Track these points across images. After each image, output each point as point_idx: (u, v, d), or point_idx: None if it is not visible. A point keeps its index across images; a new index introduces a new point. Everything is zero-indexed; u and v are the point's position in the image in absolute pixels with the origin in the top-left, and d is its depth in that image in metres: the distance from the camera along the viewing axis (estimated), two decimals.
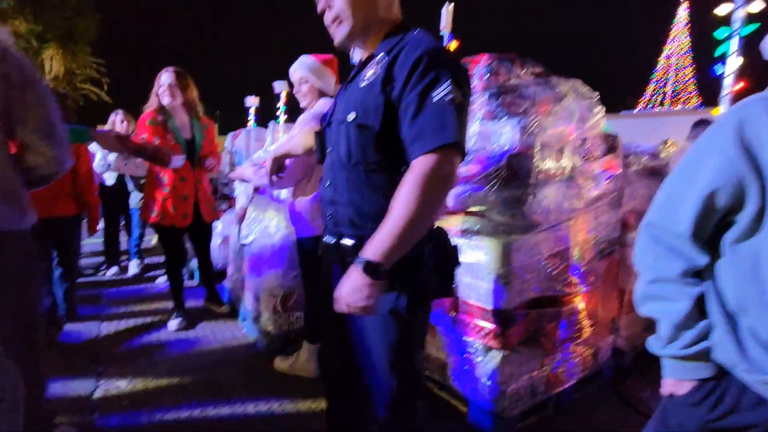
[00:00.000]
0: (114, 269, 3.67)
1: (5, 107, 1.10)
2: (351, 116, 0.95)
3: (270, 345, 2.26)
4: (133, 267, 3.73)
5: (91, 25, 11.96)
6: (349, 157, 0.97)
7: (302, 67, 1.87)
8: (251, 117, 7.74)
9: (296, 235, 1.93)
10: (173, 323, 2.57)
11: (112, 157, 3.31)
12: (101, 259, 3.88)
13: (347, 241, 0.99)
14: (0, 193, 1.11)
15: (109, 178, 3.52)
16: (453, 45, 3.80)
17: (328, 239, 1.04)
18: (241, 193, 3.04)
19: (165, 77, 2.41)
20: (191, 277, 3.53)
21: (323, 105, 1.87)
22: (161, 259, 3.95)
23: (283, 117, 7.14)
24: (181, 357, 2.24)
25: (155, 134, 2.34)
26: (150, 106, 2.41)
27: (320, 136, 1.11)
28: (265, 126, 6.50)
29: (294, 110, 7.43)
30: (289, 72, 1.93)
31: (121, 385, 1.94)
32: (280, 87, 6.88)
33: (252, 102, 7.78)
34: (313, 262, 1.92)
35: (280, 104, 7.24)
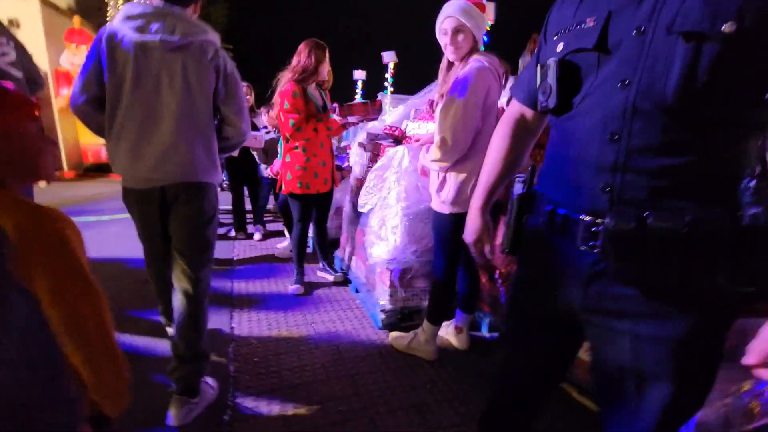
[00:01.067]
0: (240, 233, 4.01)
1: (215, 91, 1.46)
2: (727, 26, 0.56)
3: (385, 319, 2.19)
4: (258, 233, 4.03)
5: (221, 12, 13.26)
6: (687, 97, 0.59)
7: (460, 12, 1.62)
8: (359, 90, 7.83)
9: (445, 210, 1.75)
10: (293, 288, 2.67)
11: None
12: (228, 222, 4.30)
13: (664, 224, 0.61)
14: (209, 156, 1.46)
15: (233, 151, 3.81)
16: None
17: (614, 223, 0.65)
18: (356, 162, 3.00)
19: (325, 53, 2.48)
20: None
21: (482, 60, 1.63)
22: (279, 226, 4.22)
23: (390, 89, 7.07)
24: (302, 322, 2.30)
25: (299, 104, 2.39)
26: (292, 77, 2.41)
27: (565, 66, 0.73)
28: (371, 98, 6.47)
29: (402, 81, 7.29)
30: (438, 22, 1.69)
31: (252, 342, 2.06)
32: (388, 58, 6.77)
33: (359, 75, 7.84)
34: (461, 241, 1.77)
35: (388, 75, 7.15)
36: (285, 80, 2.43)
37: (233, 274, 3.01)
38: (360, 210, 2.37)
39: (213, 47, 1.42)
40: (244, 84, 3.81)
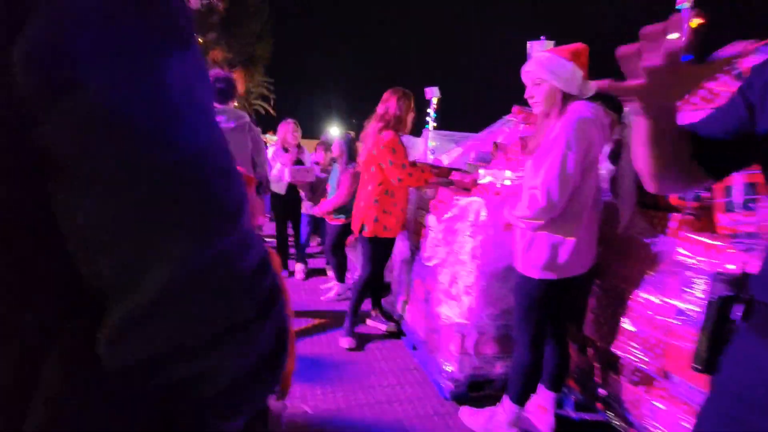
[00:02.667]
0: (283, 273, 3.90)
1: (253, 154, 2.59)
2: None
3: (454, 390, 1.94)
4: (300, 271, 3.90)
5: (267, 48, 13.99)
6: None
7: (538, 67, 1.50)
8: None
9: (535, 275, 1.55)
10: (345, 341, 2.47)
11: (285, 170, 3.52)
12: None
13: None
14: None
15: (281, 188, 3.75)
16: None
17: None
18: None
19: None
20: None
21: (583, 111, 1.46)
22: (319, 262, 4.05)
23: (432, 124, 7.01)
24: (358, 387, 2.08)
25: (404, 153, 2.39)
26: (385, 125, 2.39)
27: None
28: (415, 134, 6.43)
29: (445, 117, 7.23)
30: (522, 72, 1.58)
31: (305, 411, 1.86)
32: (431, 93, 6.75)
33: None
34: (555, 305, 1.57)
35: (431, 111, 7.11)
36: (376, 128, 2.39)
37: None
38: (426, 263, 2.18)
39: (248, 124, 2.56)
40: (291, 121, 3.80)
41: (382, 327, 2.72)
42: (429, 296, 2.26)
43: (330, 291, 3.39)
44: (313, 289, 3.56)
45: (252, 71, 14.15)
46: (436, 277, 2.11)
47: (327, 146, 3.76)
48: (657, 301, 1.37)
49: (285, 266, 3.96)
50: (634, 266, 1.45)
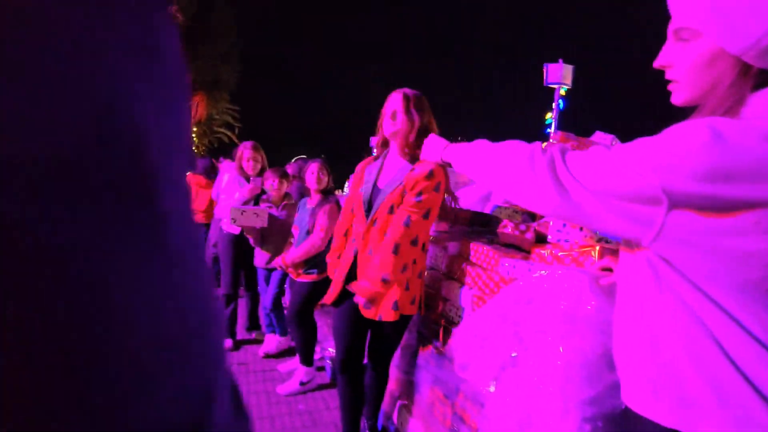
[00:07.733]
0: (227, 343, 2.84)
1: None
2: None
3: None
4: (271, 343, 2.79)
5: (232, 74, 13.20)
6: None
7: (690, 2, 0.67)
8: None
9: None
10: None
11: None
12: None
13: None
14: None
15: (234, 227, 2.75)
16: None
17: None
18: None
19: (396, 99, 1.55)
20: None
21: None
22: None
23: None
24: None
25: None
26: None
27: None
28: None
29: None
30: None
31: None
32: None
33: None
34: None
35: None
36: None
37: None
38: (459, 372, 1.29)
39: None
40: (249, 144, 2.88)
41: None
42: (459, 426, 1.36)
43: (291, 377, 2.39)
44: (265, 373, 2.54)
45: (216, 96, 13.22)
46: (476, 400, 1.23)
47: (283, 173, 2.79)
48: None
49: (231, 334, 2.91)
50: None
